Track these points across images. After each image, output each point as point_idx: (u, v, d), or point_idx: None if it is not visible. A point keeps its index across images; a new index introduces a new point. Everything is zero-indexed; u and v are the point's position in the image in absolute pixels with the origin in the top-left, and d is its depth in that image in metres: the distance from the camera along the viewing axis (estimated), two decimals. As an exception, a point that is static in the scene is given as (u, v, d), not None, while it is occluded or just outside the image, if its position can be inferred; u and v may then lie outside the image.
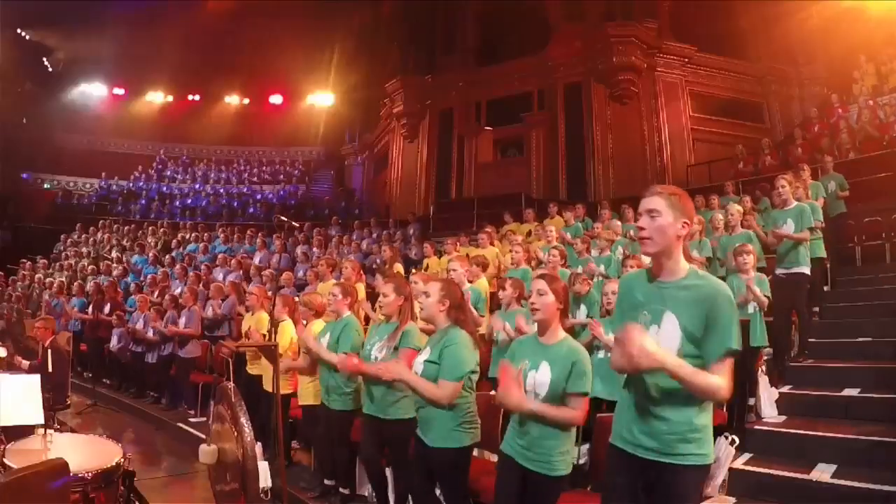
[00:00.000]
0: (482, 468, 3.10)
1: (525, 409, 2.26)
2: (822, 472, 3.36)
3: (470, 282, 5.00)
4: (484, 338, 4.28)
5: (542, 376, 2.32)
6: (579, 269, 5.45)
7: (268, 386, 4.46)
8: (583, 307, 4.51)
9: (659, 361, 1.67)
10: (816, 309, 5.77)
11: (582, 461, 2.66)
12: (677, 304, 1.80)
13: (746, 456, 3.72)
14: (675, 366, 1.69)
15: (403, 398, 3.06)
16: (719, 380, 1.72)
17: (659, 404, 1.81)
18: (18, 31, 18.38)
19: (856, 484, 3.16)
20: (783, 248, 4.97)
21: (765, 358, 4.56)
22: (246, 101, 21.56)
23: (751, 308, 4.38)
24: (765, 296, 4.38)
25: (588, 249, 6.26)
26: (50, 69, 20.17)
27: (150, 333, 7.04)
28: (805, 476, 3.35)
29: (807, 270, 4.93)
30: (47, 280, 10.91)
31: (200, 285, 8.11)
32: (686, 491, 1.79)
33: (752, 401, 4.26)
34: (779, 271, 4.98)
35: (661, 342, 1.77)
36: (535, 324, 2.50)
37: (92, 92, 20.65)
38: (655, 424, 1.81)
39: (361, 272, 5.97)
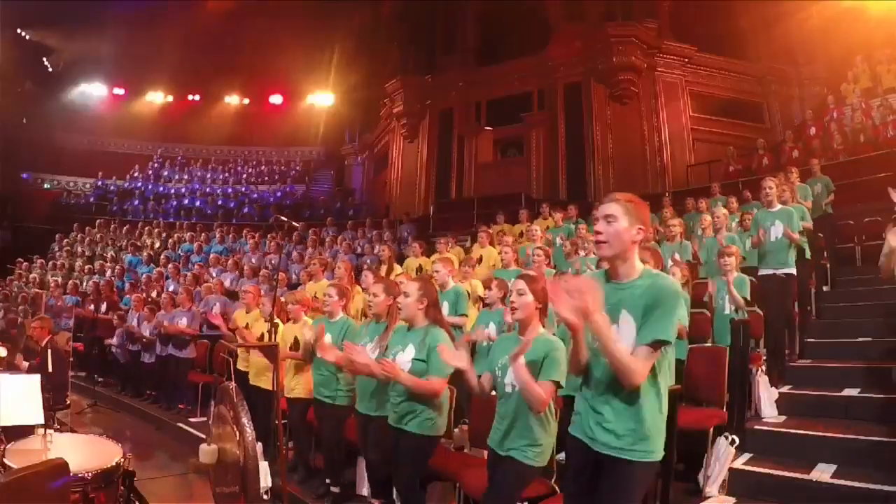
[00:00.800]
0: (476, 465, 3.12)
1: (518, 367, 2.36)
2: (822, 472, 3.36)
3: (460, 282, 5.02)
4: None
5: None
6: (569, 271, 5.45)
7: (257, 381, 4.60)
8: None
9: (591, 308, 1.75)
10: (810, 308, 5.77)
11: (560, 456, 2.73)
12: (631, 303, 1.89)
13: (746, 456, 3.72)
14: (601, 324, 1.79)
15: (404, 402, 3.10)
16: (635, 361, 1.80)
17: (611, 399, 1.89)
18: (18, 31, 18.37)
19: (856, 484, 3.16)
20: (770, 249, 4.97)
21: (763, 358, 4.56)
22: (246, 101, 21.55)
23: (726, 309, 4.47)
24: (742, 297, 4.41)
25: (577, 251, 6.27)
26: (50, 69, 20.16)
27: (147, 333, 7.03)
28: (805, 476, 3.35)
29: (793, 271, 4.94)
30: (40, 279, 10.93)
31: (196, 285, 8.11)
32: (629, 485, 1.87)
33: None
34: (765, 272, 4.99)
35: (619, 339, 1.87)
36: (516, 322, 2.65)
37: (92, 92, 20.64)
38: (607, 419, 1.89)
39: (352, 273, 5.99)
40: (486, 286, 4.67)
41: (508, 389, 2.50)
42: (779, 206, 5.04)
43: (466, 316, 4.75)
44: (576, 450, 2.00)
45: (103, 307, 8.59)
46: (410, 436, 2.87)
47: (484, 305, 4.89)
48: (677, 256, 5.42)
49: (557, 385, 2.43)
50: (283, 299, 4.73)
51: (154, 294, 8.86)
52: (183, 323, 6.70)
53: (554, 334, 2.75)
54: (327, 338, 3.76)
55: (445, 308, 4.42)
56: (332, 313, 3.85)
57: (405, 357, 2.91)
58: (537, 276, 2.83)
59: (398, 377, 2.83)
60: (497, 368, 2.58)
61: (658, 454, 1.90)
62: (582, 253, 6.23)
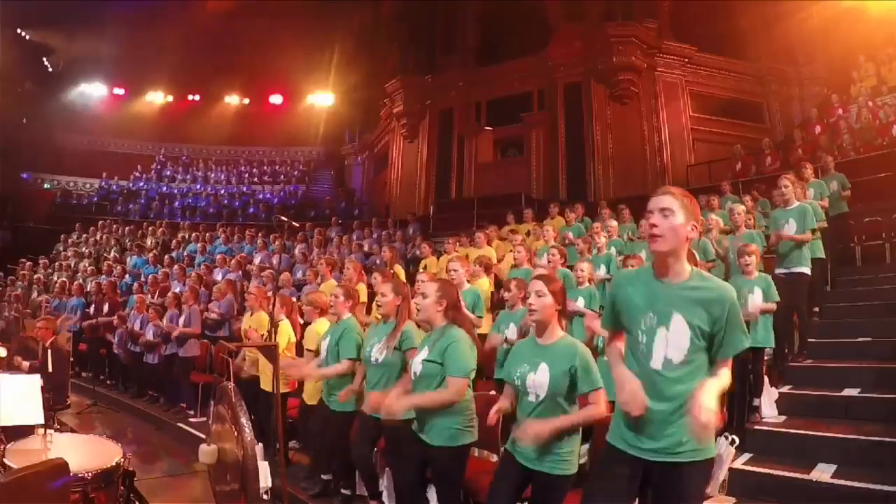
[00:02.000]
0: (480, 468, 3.11)
1: (553, 428, 2.24)
2: (822, 472, 3.36)
3: (469, 282, 5.01)
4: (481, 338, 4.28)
5: (540, 377, 2.32)
6: (580, 267, 5.42)
7: (265, 385, 4.50)
8: (581, 299, 4.55)
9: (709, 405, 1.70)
10: (816, 309, 5.77)
11: (582, 461, 2.66)
12: (685, 305, 1.82)
13: (746, 456, 3.73)
14: (712, 397, 1.74)
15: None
16: (726, 376, 1.80)
17: (661, 407, 1.81)
18: (18, 31, 18.37)
19: (856, 484, 3.16)
20: (783, 249, 4.97)
21: (765, 358, 4.56)
22: (246, 101, 21.55)
23: (749, 308, 4.37)
24: (771, 298, 4.32)
25: (589, 249, 6.28)
26: (50, 69, 20.16)
27: (150, 335, 7.03)
28: (805, 476, 3.35)
29: (807, 270, 4.93)
30: (44, 279, 10.92)
31: (200, 286, 8.11)
32: (696, 486, 1.83)
33: (756, 401, 4.25)
34: (779, 271, 4.98)
35: (670, 343, 1.81)
36: (534, 324, 2.50)
37: (92, 92, 20.65)
38: (659, 426, 1.81)
39: (363, 273, 5.98)
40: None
41: (532, 399, 2.35)
42: (796, 204, 5.00)
43: (482, 317, 4.70)
44: (616, 458, 1.92)
45: (105, 308, 8.59)
46: (438, 450, 2.66)
47: (492, 307, 4.88)
48: (698, 257, 5.38)
49: (600, 389, 2.30)
50: (294, 300, 4.72)
51: (157, 295, 8.86)
52: (183, 322, 6.70)
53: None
54: (326, 342, 3.75)
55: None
56: (338, 315, 3.81)
57: (419, 359, 2.79)
58: (552, 275, 2.72)
59: (406, 408, 2.69)
60: (516, 377, 2.41)
61: (714, 450, 1.86)
62: (594, 251, 6.25)
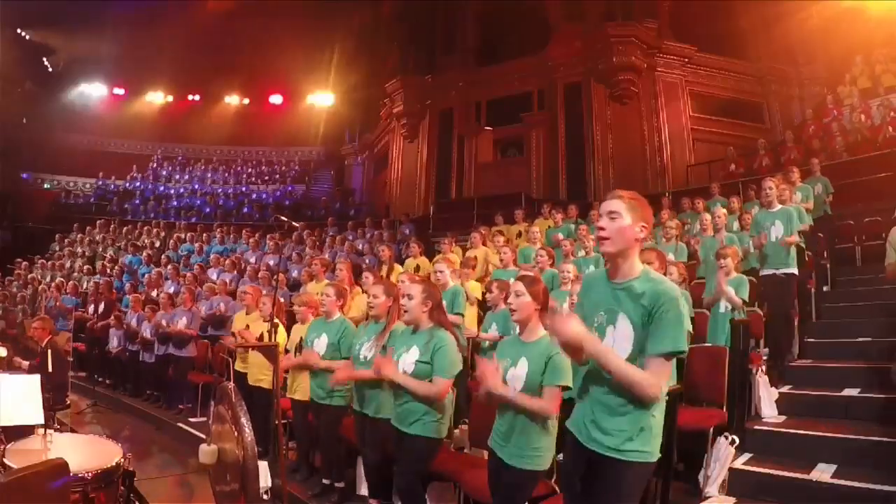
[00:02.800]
0: (475, 463, 3.13)
1: (501, 394, 2.36)
2: (822, 472, 3.36)
3: (454, 282, 5.04)
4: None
5: (519, 370, 2.45)
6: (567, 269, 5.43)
7: (254, 381, 4.60)
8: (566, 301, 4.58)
9: (579, 338, 1.77)
10: (809, 308, 5.77)
11: (560, 456, 2.71)
12: (629, 305, 1.86)
13: (746, 456, 3.72)
14: (598, 351, 1.79)
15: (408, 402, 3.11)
16: (645, 374, 1.78)
17: (606, 397, 1.86)
18: (18, 31, 18.37)
19: (856, 484, 3.16)
20: (770, 250, 4.97)
21: (764, 358, 4.56)
22: (246, 101, 21.55)
23: (722, 307, 4.42)
24: (741, 297, 4.38)
25: (573, 252, 6.26)
26: (50, 69, 20.16)
27: (147, 333, 7.02)
28: (805, 476, 3.35)
29: (795, 271, 4.94)
30: (40, 279, 10.93)
31: (198, 286, 8.11)
32: (624, 487, 1.83)
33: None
34: (765, 272, 4.99)
35: (616, 341, 1.86)
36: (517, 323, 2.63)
37: (92, 92, 20.64)
38: (602, 417, 1.86)
39: (352, 273, 6.01)
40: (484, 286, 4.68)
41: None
42: (779, 207, 5.04)
43: (462, 315, 4.76)
44: (571, 445, 1.99)
45: (102, 307, 8.59)
46: (413, 438, 2.84)
47: (482, 307, 4.91)
48: (672, 257, 5.43)
49: (564, 388, 2.39)
50: (290, 301, 4.73)
51: (154, 294, 8.86)
52: (182, 323, 6.70)
53: None
54: (324, 339, 3.77)
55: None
56: (329, 313, 3.85)
57: (409, 359, 2.88)
58: (536, 276, 2.82)
59: (395, 378, 2.82)
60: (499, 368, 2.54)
61: (654, 455, 1.86)
62: (582, 253, 6.25)
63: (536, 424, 2.40)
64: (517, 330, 2.65)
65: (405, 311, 2.95)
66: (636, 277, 1.90)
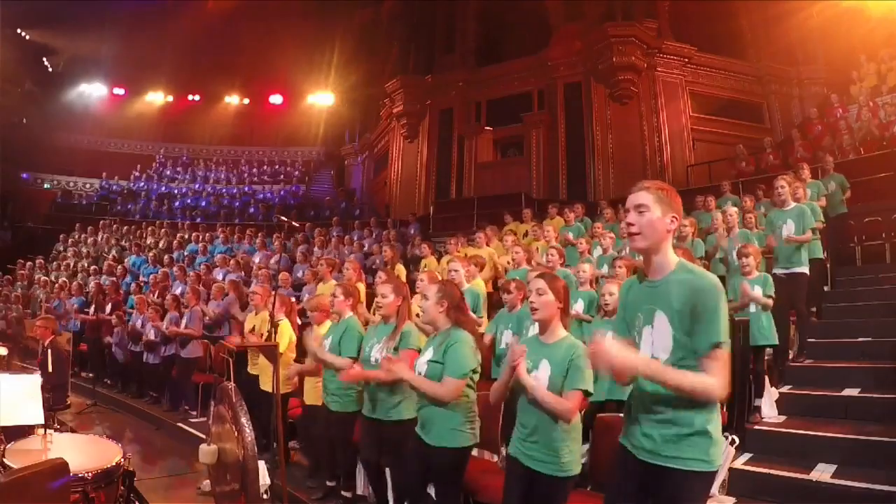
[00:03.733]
0: (481, 467, 3.11)
1: (526, 383, 2.28)
2: (822, 472, 3.36)
3: (467, 282, 5.01)
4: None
5: (542, 374, 2.33)
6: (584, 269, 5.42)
7: (265, 386, 4.48)
8: (580, 301, 4.54)
9: (626, 364, 1.70)
10: (814, 309, 5.77)
11: (583, 461, 2.66)
12: (666, 302, 1.78)
13: (746, 456, 3.72)
14: (651, 371, 1.70)
15: (403, 401, 3.08)
16: (708, 379, 1.67)
17: (658, 405, 1.77)
18: (18, 31, 18.38)
19: (856, 484, 3.16)
20: (782, 249, 4.97)
21: (765, 358, 4.56)
22: (246, 101, 21.57)
23: (752, 307, 4.37)
24: (767, 295, 4.36)
25: (590, 250, 6.27)
26: (50, 69, 20.18)
27: (152, 334, 7.01)
28: (805, 476, 3.35)
29: (806, 270, 4.93)
30: (44, 279, 10.92)
31: (200, 285, 8.11)
32: (686, 497, 1.73)
33: (756, 401, 4.25)
34: (778, 271, 4.98)
35: (655, 342, 1.78)
36: (536, 323, 2.50)
37: (92, 92, 20.65)
38: (655, 426, 1.77)
39: (362, 272, 5.98)
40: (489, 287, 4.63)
41: (530, 396, 2.34)
42: (792, 205, 5.00)
43: (483, 317, 4.70)
44: (624, 462, 1.88)
45: (108, 308, 8.58)
46: (438, 451, 2.65)
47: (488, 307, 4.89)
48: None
49: (586, 393, 2.29)
50: (292, 300, 4.70)
51: (156, 295, 8.86)
52: (184, 323, 6.70)
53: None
54: (329, 341, 3.74)
55: None
56: (340, 314, 3.81)
57: (423, 359, 2.78)
58: (556, 275, 2.70)
59: (404, 376, 2.72)
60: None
61: (716, 463, 1.75)
62: (598, 251, 6.24)
63: (561, 430, 2.29)
64: (536, 330, 2.52)
65: (421, 312, 2.88)
66: (672, 270, 1.82)
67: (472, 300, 4.53)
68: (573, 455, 2.33)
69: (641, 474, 1.81)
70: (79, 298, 9.53)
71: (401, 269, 7.00)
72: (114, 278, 10.21)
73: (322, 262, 6.20)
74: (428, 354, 2.78)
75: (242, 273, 9.05)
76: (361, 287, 5.62)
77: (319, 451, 4.14)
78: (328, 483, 3.86)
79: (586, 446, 3.13)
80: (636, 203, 1.83)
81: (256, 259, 9.93)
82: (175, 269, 9.63)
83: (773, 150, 10.67)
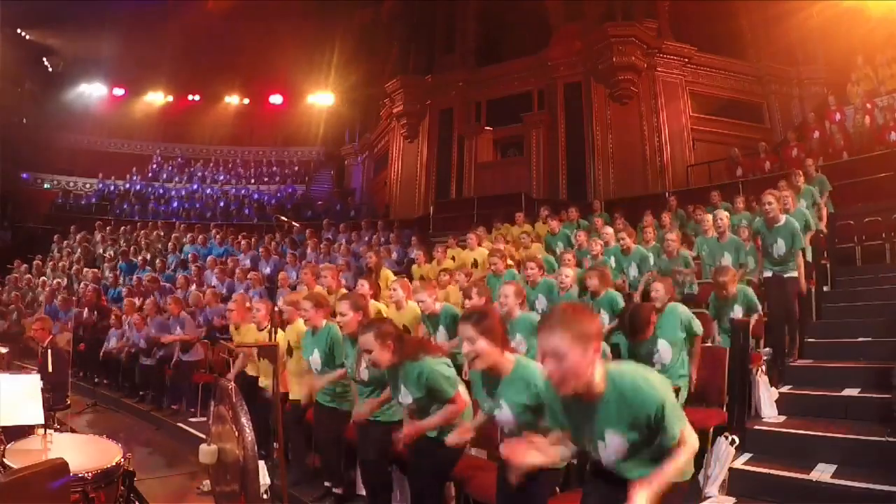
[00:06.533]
0: (473, 464, 3.12)
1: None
2: (822, 472, 3.36)
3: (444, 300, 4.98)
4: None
5: (505, 414, 2.32)
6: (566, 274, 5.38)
7: (264, 385, 4.51)
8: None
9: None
10: (809, 309, 5.75)
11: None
12: (612, 421, 1.77)
13: (746, 456, 3.72)
14: (655, 491, 1.70)
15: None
16: (684, 454, 1.75)
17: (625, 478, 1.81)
18: (18, 31, 18.38)
19: (856, 484, 3.16)
20: (772, 262, 4.93)
21: (764, 358, 4.56)
22: (246, 101, 21.56)
23: (739, 312, 4.45)
24: (753, 310, 4.46)
25: (574, 258, 6.14)
26: (50, 69, 20.17)
27: (142, 343, 7.01)
28: (805, 476, 3.35)
29: (795, 274, 4.89)
30: (41, 280, 10.92)
31: (194, 287, 8.10)
32: None
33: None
34: (768, 273, 4.97)
35: (609, 449, 1.81)
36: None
37: (92, 92, 20.64)
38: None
39: (340, 279, 5.89)
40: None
41: (506, 430, 2.38)
42: (783, 219, 4.85)
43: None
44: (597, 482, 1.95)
45: (101, 308, 8.59)
46: (435, 443, 2.75)
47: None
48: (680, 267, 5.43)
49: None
50: (279, 303, 4.68)
51: (152, 297, 8.86)
52: (178, 332, 6.70)
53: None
54: (316, 355, 3.72)
55: (443, 333, 4.31)
56: (314, 326, 3.75)
57: (407, 398, 2.79)
58: (482, 308, 2.68)
59: (425, 429, 2.74)
60: (485, 410, 2.43)
61: (687, 474, 1.86)
62: (589, 261, 6.19)
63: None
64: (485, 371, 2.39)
65: (371, 359, 2.82)
66: (606, 390, 1.76)
67: (450, 321, 4.34)
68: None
69: (615, 489, 1.84)
70: (73, 299, 9.53)
71: (388, 275, 6.90)
72: (107, 279, 10.20)
73: (306, 271, 5.92)
74: (408, 396, 2.77)
75: (229, 279, 8.95)
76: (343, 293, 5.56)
77: (300, 448, 4.16)
78: (326, 483, 3.86)
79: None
80: (551, 350, 1.69)
81: (247, 263, 9.84)
82: (170, 270, 9.62)
83: (767, 154, 10.65)
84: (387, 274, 6.99)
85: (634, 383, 1.74)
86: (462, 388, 2.83)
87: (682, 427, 1.76)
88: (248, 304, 5.01)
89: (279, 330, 4.55)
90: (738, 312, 4.42)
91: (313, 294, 4.07)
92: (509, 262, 6.12)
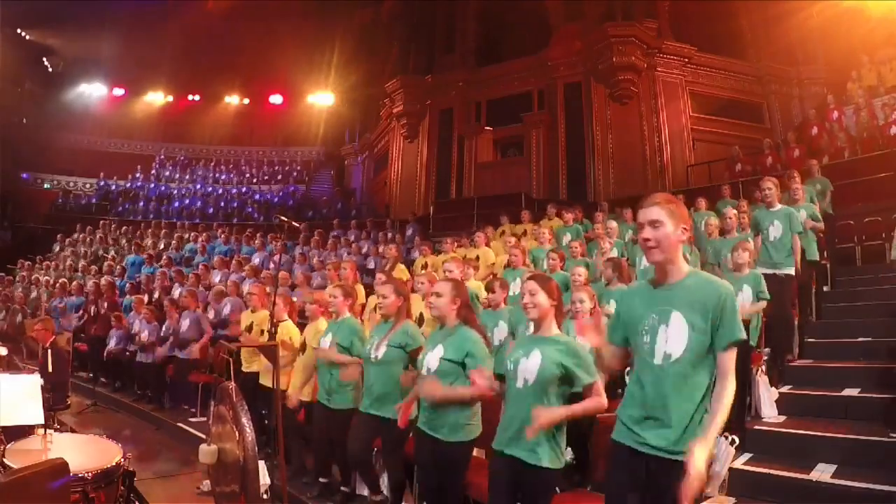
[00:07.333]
0: (475, 464, 3.12)
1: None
2: (822, 472, 3.36)
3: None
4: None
5: (532, 362, 2.36)
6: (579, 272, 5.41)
7: (264, 382, 4.53)
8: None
9: (701, 468, 1.74)
10: (809, 309, 5.75)
11: (568, 458, 2.72)
12: (682, 303, 1.90)
13: (746, 456, 3.72)
14: (709, 435, 1.79)
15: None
16: (726, 388, 1.86)
17: (665, 401, 1.86)
18: (18, 31, 18.38)
19: (856, 484, 3.16)
20: (769, 249, 4.93)
21: (764, 358, 4.56)
22: (246, 101, 21.57)
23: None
24: (762, 298, 4.37)
25: (583, 252, 6.23)
26: (50, 69, 20.19)
27: (146, 335, 7.01)
28: (805, 476, 3.35)
29: (792, 272, 4.90)
30: (44, 279, 10.92)
31: (199, 286, 8.10)
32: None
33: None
34: (765, 272, 4.96)
35: (670, 339, 1.89)
36: (531, 322, 2.55)
37: (92, 92, 20.66)
38: (662, 422, 1.86)
39: (358, 273, 6.01)
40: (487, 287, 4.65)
41: (520, 384, 2.37)
42: (779, 206, 4.99)
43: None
44: (620, 459, 1.97)
45: (104, 307, 8.58)
46: (450, 447, 2.73)
47: (486, 307, 4.92)
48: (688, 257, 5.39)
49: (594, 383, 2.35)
50: (294, 300, 4.73)
51: (156, 295, 8.85)
52: (186, 325, 6.69)
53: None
54: (329, 338, 3.77)
55: None
56: (338, 314, 3.88)
57: (434, 357, 2.80)
58: (547, 275, 2.78)
59: (443, 396, 2.72)
60: (509, 362, 2.46)
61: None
62: (596, 255, 6.22)
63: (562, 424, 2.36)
64: (530, 329, 2.59)
65: (433, 308, 2.92)
66: (686, 275, 1.96)
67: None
68: (561, 447, 2.37)
69: (642, 468, 1.88)
70: (79, 298, 9.53)
71: (402, 270, 6.98)
72: (111, 278, 10.20)
73: (329, 267, 6.23)
74: (438, 351, 2.79)
75: (243, 274, 9.01)
76: (360, 288, 5.63)
77: (317, 450, 4.15)
78: (321, 479, 3.87)
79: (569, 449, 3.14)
80: (650, 219, 1.95)
81: (257, 260, 9.90)
82: (173, 269, 9.62)
83: (771, 151, 10.66)
84: (402, 269, 7.04)
85: (711, 276, 1.99)
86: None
87: (741, 341, 1.88)
88: (268, 291, 5.22)
89: (288, 327, 4.57)
90: (746, 293, 4.34)
91: (344, 285, 4.15)
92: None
